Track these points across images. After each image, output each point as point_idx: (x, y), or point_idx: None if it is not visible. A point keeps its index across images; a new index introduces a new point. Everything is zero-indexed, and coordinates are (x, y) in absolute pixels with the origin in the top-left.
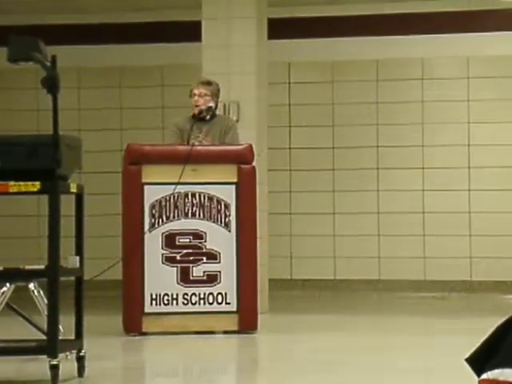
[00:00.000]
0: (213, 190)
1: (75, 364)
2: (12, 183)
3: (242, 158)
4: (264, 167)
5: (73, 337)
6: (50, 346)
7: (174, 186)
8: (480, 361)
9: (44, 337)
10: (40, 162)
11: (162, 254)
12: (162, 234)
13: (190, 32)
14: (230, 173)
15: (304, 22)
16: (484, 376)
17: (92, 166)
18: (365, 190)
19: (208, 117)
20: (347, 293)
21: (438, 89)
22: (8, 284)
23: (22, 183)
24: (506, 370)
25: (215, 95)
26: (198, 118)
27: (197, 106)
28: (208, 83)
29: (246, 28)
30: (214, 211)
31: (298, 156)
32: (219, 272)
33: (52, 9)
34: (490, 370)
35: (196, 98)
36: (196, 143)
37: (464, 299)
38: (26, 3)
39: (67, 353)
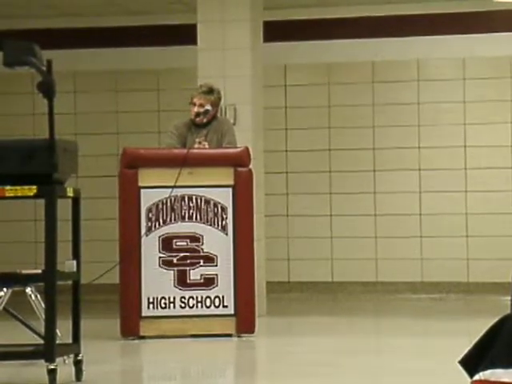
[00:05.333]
0: (209, 193)
1: (73, 368)
2: (8, 188)
3: (239, 161)
4: (261, 170)
5: (70, 341)
6: (48, 351)
7: (170, 190)
8: (472, 362)
9: (41, 341)
10: (36, 166)
11: (159, 258)
12: (159, 237)
13: (185, 35)
14: (226, 176)
15: (299, 24)
16: (476, 377)
17: (88, 169)
18: (362, 191)
19: (205, 120)
20: (345, 295)
21: (434, 90)
22: (5, 288)
23: (18, 188)
24: (497, 370)
25: (215, 104)
26: (196, 124)
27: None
28: (209, 92)
29: (242, 31)
30: (210, 214)
31: (295, 158)
32: (216, 275)
33: (47, 13)
34: (481, 370)
35: (196, 108)
36: (197, 140)
37: (461, 301)
38: (21, 8)
39: (65, 357)
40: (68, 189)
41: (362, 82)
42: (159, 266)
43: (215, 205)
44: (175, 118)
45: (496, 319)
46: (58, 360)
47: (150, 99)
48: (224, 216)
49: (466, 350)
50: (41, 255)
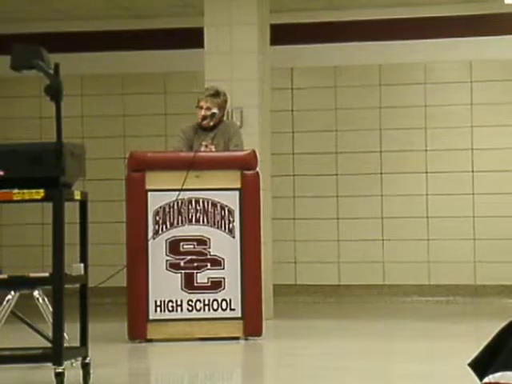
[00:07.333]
0: (216, 196)
1: (80, 371)
2: (16, 191)
3: (246, 164)
4: (267, 173)
5: (78, 344)
6: (55, 354)
7: (177, 193)
8: (482, 365)
9: (49, 344)
10: (44, 169)
11: (166, 261)
12: (166, 240)
13: (192, 39)
14: (233, 179)
15: (306, 27)
16: (486, 380)
17: (96, 173)
18: (368, 194)
19: (211, 123)
20: (351, 298)
21: (441, 93)
22: (13, 292)
23: (25, 191)
24: (508, 372)
25: (222, 107)
26: (203, 128)
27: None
28: (216, 95)
29: (249, 34)
30: (217, 217)
31: (302, 161)
32: (223, 278)
33: (54, 17)
34: (491, 373)
35: (203, 111)
36: (203, 143)
37: (468, 303)
38: (28, 11)
39: (72, 360)
40: (75, 192)
41: (369, 85)
42: (166, 269)
43: (222, 208)
44: (182, 121)
45: (503, 322)
46: (66, 363)
47: (157, 102)
48: (231, 219)
49: (475, 353)
50: (48, 258)
